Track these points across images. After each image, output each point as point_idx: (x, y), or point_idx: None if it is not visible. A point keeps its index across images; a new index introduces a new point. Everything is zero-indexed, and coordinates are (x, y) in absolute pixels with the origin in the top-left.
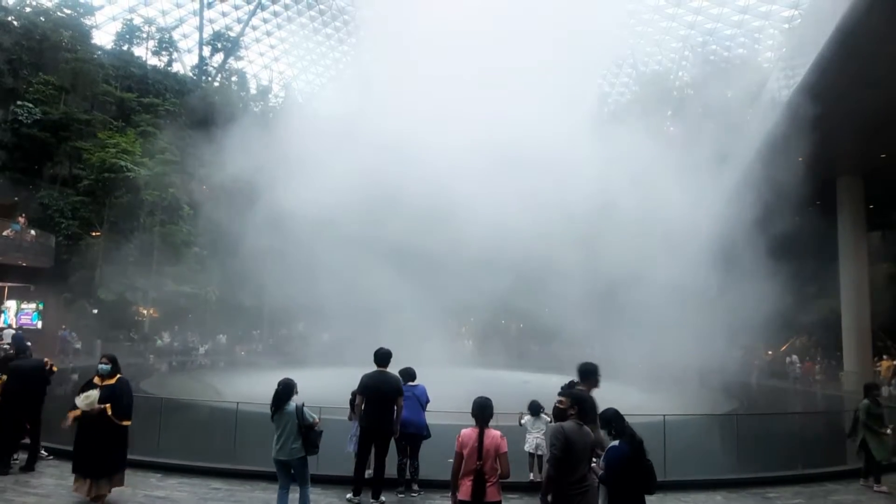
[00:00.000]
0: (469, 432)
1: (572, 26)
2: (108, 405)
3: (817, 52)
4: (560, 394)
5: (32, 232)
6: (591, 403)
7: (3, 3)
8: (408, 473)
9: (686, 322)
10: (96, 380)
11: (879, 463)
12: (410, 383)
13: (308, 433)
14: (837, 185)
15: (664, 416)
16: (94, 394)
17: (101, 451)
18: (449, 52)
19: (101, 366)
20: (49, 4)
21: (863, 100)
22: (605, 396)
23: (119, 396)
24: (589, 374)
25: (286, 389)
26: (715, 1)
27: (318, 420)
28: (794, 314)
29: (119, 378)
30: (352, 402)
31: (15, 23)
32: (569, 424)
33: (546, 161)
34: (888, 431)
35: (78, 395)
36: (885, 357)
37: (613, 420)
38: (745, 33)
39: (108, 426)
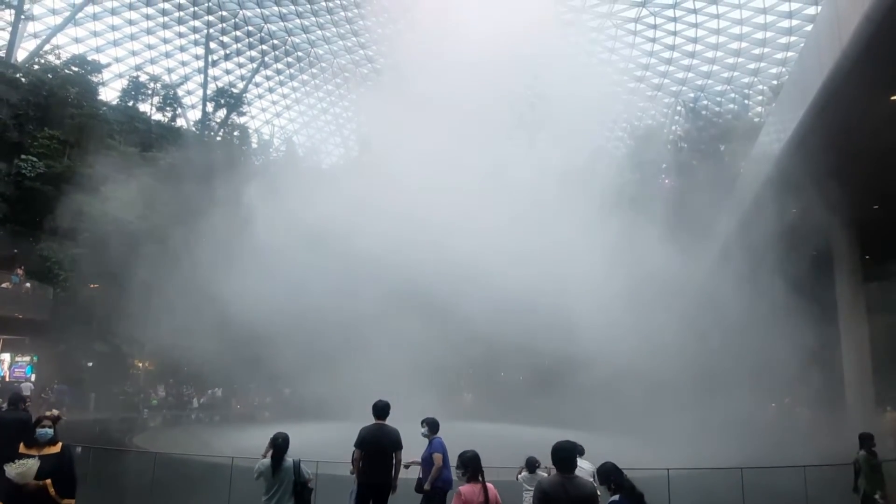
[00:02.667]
0: (470, 489)
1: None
2: (48, 480)
3: (805, 108)
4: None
5: (28, 284)
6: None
7: (12, 61)
8: None
9: (685, 374)
10: (24, 448)
11: None
12: (437, 435)
13: (302, 491)
14: (832, 237)
15: (668, 469)
16: (31, 463)
17: None
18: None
19: (41, 430)
20: (57, 62)
21: (852, 153)
22: (603, 450)
23: (65, 470)
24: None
25: (286, 443)
26: (705, 59)
27: (311, 477)
28: (796, 365)
29: (63, 446)
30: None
31: (23, 80)
32: (550, 478)
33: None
34: (878, 498)
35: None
36: (889, 409)
37: (612, 473)
38: (736, 89)
39: None
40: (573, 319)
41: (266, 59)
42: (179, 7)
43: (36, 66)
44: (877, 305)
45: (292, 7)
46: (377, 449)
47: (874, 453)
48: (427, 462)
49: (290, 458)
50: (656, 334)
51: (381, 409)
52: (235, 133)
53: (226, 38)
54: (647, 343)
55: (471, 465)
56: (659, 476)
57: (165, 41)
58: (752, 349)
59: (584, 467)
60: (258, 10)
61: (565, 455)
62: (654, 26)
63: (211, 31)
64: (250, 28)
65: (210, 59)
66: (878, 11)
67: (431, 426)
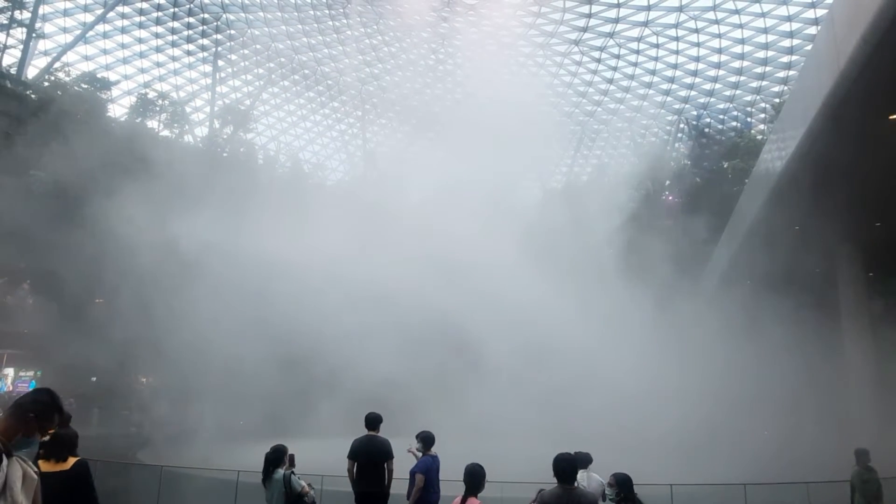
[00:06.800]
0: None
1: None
2: None
3: (805, 126)
4: None
5: (33, 298)
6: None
7: (23, 78)
8: None
9: (690, 392)
10: None
11: None
12: (431, 453)
13: (297, 502)
14: (835, 255)
15: (671, 485)
16: None
17: None
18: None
19: None
20: (67, 79)
21: (853, 171)
22: (608, 464)
23: None
24: None
25: (275, 455)
26: (707, 77)
27: (307, 489)
28: (801, 382)
29: None
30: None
31: (33, 96)
32: (551, 489)
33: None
34: None
35: None
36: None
37: (623, 485)
38: (738, 107)
39: None
40: (578, 339)
41: (273, 76)
42: (188, 26)
43: (46, 83)
44: (881, 322)
45: (299, 26)
46: (368, 459)
47: (870, 469)
48: (413, 477)
49: (280, 471)
50: (659, 352)
51: (372, 421)
52: (241, 149)
53: (234, 56)
54: (651, 361)
55: (465, 478)
56: (662, 492)
57: (174, 59)
58: (757, 366)
59: (595, 477)
60: (266, 28)
61: (564, 467)
62: (657, 45)
63: (219, 48)
64: (258, 46)
65: (218, 77)
66: (874, 34)
67: (424, 441)
